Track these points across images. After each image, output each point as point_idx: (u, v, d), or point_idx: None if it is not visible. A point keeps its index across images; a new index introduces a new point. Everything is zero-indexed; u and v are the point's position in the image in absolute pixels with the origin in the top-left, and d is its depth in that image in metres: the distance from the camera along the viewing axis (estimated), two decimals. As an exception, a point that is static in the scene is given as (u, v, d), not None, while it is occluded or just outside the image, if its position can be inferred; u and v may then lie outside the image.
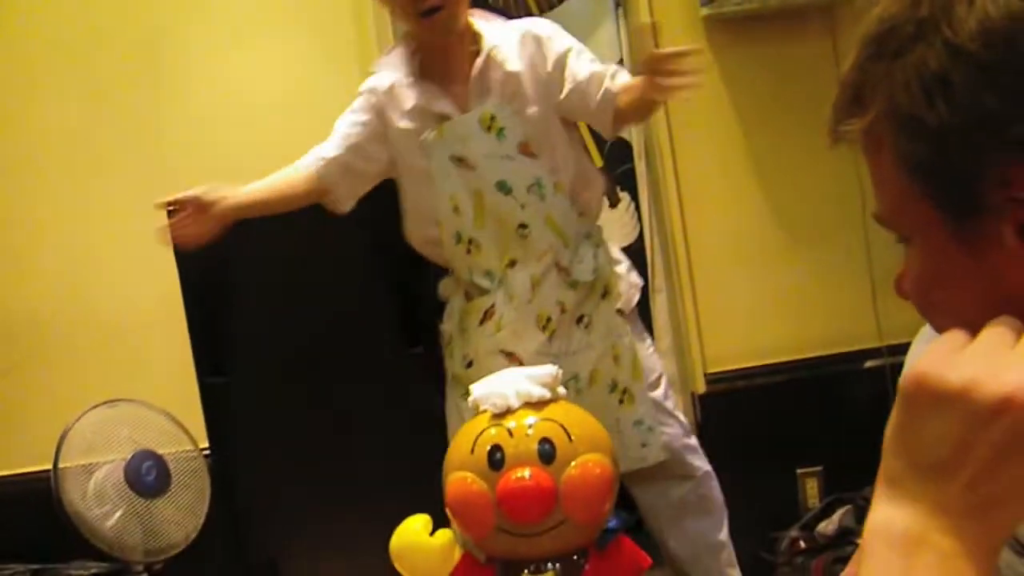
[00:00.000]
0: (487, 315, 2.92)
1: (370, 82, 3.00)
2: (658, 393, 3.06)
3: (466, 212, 2.87)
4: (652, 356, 3.14)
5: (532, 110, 2.88)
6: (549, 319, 2.90)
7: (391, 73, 2.94)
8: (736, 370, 4.09)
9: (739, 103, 4.23)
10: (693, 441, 3.15)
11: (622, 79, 2.87)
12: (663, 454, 3.02)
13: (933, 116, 0.76)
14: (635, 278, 3.14)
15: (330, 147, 2.98)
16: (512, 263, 2.90)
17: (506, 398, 2.20)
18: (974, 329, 0.75)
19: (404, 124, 2.90)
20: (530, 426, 2.19)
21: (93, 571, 3.82)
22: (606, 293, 2.99)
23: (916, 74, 0.77)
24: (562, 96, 2.88)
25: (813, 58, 4.02)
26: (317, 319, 3.63)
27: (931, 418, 0.72)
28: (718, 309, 4.11)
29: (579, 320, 2.95)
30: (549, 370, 2.29)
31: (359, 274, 3.64)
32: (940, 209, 0.80)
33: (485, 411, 2.26)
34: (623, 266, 3.12)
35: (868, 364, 4.00)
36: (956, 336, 0.76)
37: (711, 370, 4.10)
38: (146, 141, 4.16)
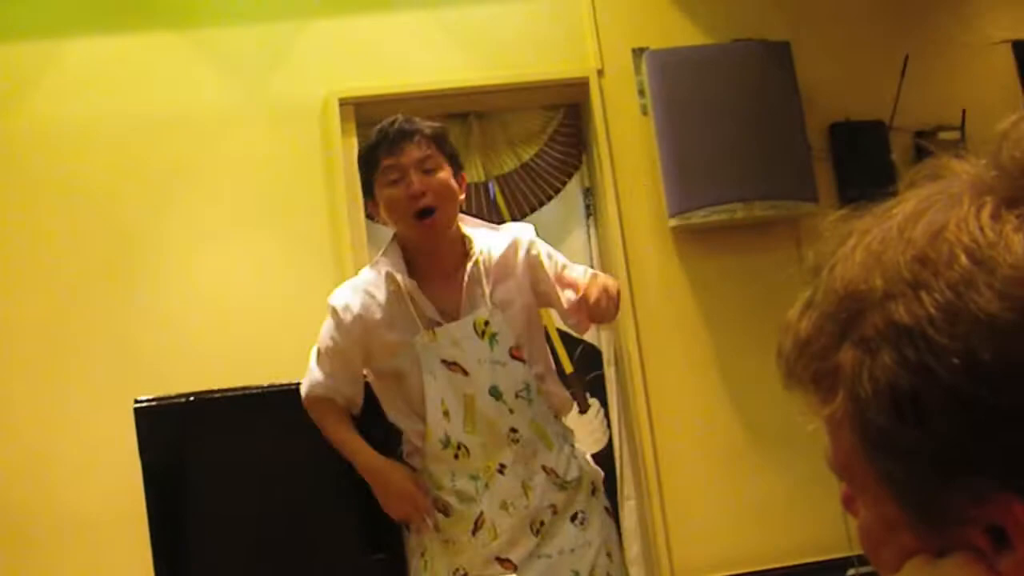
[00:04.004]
0: (478, 524, 2.85)
1: (343, 297, 2.93)
2: None
3: (456, 416, 2.83)
4: None
5: (519, 315, 2.90)
6: (543, 523, 2.87)
7: (388, 271, 2.88)
8: (705, 580, 4.03)
9: (707, 311, 4.30)
10: None
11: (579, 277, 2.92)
12: None
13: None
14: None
15: (327, 382, 2.95)
16: (501, 468, 2.86)
17: None
18: None
19: (391, 335, 2.86)
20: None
21: None
22: (595, 490, 2.97)
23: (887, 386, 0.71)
24: (543, 296, 2.94)
25: (779, 267, 4.09)
26: (278, 524, 3.57)
27: None
28: (687, 517, 4.08)
29: (573, 518, 2.91)
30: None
31: (320, 476, 3.60)
32: (896, 493, 0.75)
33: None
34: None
35: (851, 573, 3.94)
36: None
37: (680, 580, 4.04)
38: (113, 338, 4.17)
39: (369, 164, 2.85)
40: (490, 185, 4.55)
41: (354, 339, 2.86)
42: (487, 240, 2.93)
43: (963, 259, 0.68)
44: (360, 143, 4.42)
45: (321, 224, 4.28)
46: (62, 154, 4.28)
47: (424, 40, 4.50)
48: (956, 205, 0.71)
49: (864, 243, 0.75)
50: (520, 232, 3.00)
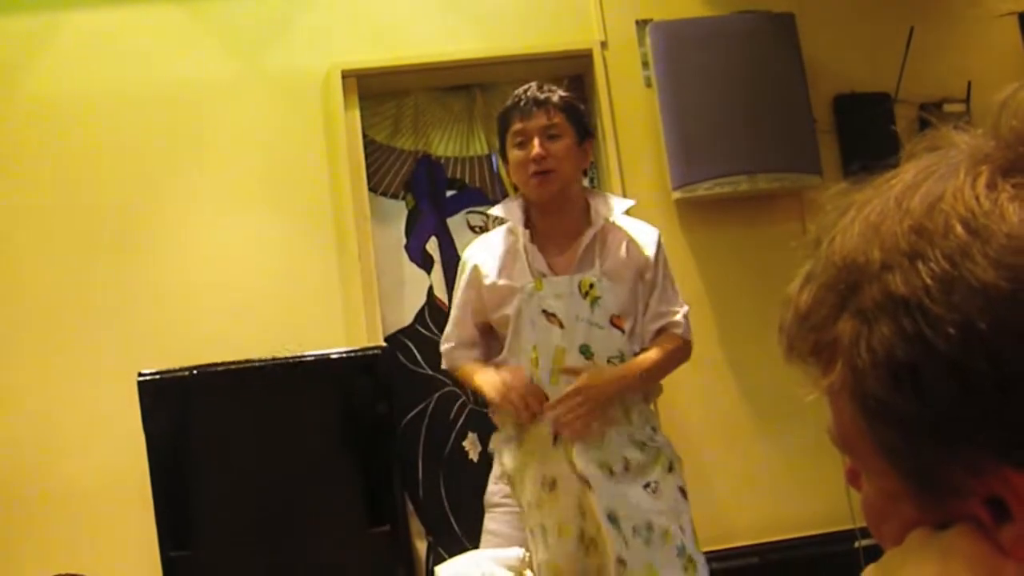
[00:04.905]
0: (556, 439, 2.95)
1: (470, 250, 3.20)
2: None
3: (544, 367, 2.97)
4: None
5: (625, 288, 3.03)
6: (612, 470, 2.92)
7: (510, 225, 3.12)
8: (708, 552, 4.02)
9: (710, 283, 4.30)
10: None
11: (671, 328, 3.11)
12: None
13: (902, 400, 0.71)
14: None
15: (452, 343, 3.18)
16: None
17: None
18: None
19: (502, 281, 3.06)
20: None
21: None
22: (671, 468, 3.02)
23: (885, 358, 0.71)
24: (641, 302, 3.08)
25: (782, 240, 4.09)
26: (282, 495, 3.58)
27: None
28: (690, 491, 4.07)
29: (645, 486, 2.96)
30: (516, 552, 2.26)
31: (325, 448, 3.61)
32: (895, 464, 0.75)
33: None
34: None
35: (856, 545, 3.95)
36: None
37: (683, 552, 4.04)
38: (116, 312, 4.16)
39: (502, 127, 3.11)
40: (493, 157, 4.54)
41: (472, 286, 3.11)
42: (619, 216, 3.10)
43: (959, 229, 0.68)
44: (363, 116, 4.45)
45: (323, 198, 4.27)
46: (62, 128, 4.26)
47: (427, 12, 4.48)
48: (953, 175, 0.71)
49: (863, 215, 0.75)
50: (652, 235, 3.14)
